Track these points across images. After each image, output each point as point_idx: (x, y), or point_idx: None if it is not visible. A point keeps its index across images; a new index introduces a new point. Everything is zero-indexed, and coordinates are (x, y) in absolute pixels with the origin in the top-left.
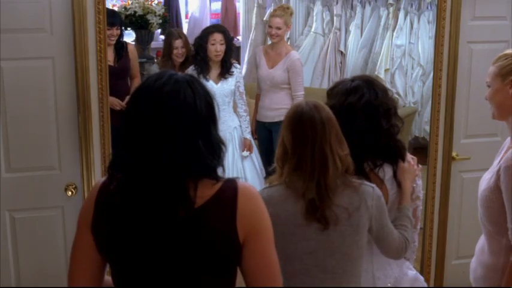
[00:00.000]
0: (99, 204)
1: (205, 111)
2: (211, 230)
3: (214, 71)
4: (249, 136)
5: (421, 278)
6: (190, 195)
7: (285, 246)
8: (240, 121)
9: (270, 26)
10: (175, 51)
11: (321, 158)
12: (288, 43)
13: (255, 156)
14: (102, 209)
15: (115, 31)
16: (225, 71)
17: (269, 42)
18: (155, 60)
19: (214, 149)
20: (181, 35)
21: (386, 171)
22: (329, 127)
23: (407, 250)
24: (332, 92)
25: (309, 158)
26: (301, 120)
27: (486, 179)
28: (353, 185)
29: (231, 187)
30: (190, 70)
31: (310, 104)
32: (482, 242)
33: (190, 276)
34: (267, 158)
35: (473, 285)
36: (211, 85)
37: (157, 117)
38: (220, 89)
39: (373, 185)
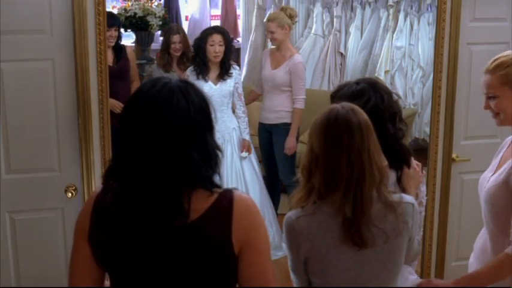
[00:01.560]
0: (95, 215)
1: (199, 118)
2: (207, 241)
3: (213, 72)
4: (247, 137)
5: None
6: (184, 206)
7: (327, 278)
8: (238, 122)
9: (267, 31)
10: (172, 46)
11: (359, 168)
12: None
13: (254, 156)
14: (98, 220)
15: (113, 32)
16: (224, 73)
17: (269, 43)
18: (155, 62)
19: (210, 156)
20: (179, 31)
21: (390, 176)
22: (367, 133)
23: (420, 253)
24: (336, 95)
25: (345, 167)
26: (337, 124)
27: (493, 178)
28: (393, 207)
29: (227, 198)
30: (189, 71)
31: (346, 106)
32: (482, 241)
33: (187, 284)
34: (266, 159)
35: None
36: (210, 86)
37: (150, 124)
38: (219, 90)
39: (413, 201)
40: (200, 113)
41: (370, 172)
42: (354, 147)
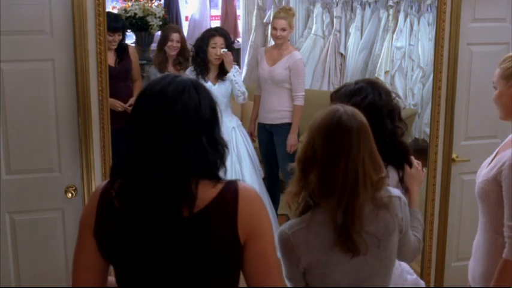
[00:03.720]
0: (101, 208)
1: (209, 113)
2: (213, 232)
3: (213, 73)
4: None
5: (422, 282)
6: (193, 194)
7: (327, 282)
8: (237, 120)
9: (275, 28)
10: (169, 43)
11: (353, 179)
12: None
13: (253, 156)
14: (104, 213)
15: (117, 37)
16: (223, 74)
17: (269, 43)
18: (152, 66)
19: (218, 149)
20: (179, 31)
21: (392, 177)
22: (364, 140)
23: (420, 251)
24: (336, 95)
25: (341, 174)
26: (339, 129)
27: (484, 173)
28: (384, 203)
29: (231, 189)
30: (189, 71)
31: (349, 111)
32: (477, 240)
33: (193, 277)
34: (266, 159)
35: (472, 285)
36: (209, 86)
37: (161, 115)
38: (218, 90)
39: (399, 194)
40: (210, 109)
41: (363, 184)
42: (351, 155)
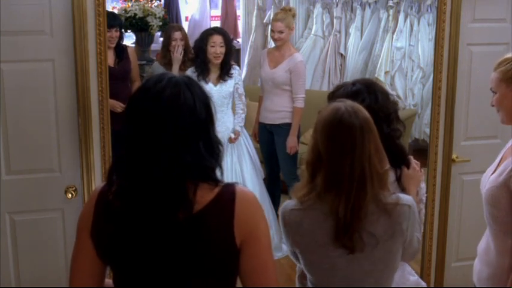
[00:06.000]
0: (98, 210)
1: (204, 113)
2: (210, 235)
3: (214, 73)
4: (239, 129)
5: (423, 283)
6: (190, 197)
7: (316, 273)
8: (235, 118)
9: (273, 31)
10: (173, 43)
11: (360, 174)
12: None
13: (254, 157)
14: (101, 215)
15: (114, 33)
16: (224, 74)
17: (269, 44)
18: (155, 62)
19: (213, 150)
20: (180, 28)
21: (389, 176)
22: (369, 135)
23: (419, 251)
24: (333, 96)
25: (347, 172)
26: (341, 127)
27: (492, 178)
28: (387, 209)
29: (229, 192)
30: (190, 72)
31: (350, 108)
32: (485, 242)
33: (191, 279)
34: (267, 159)
35: (477, 286)
36: (210, 87)
37: (157, 119)
38: (219, 91)
39: (411, 202)
40: (204, 108)
41: (370, 180)
42: (356, 152)
